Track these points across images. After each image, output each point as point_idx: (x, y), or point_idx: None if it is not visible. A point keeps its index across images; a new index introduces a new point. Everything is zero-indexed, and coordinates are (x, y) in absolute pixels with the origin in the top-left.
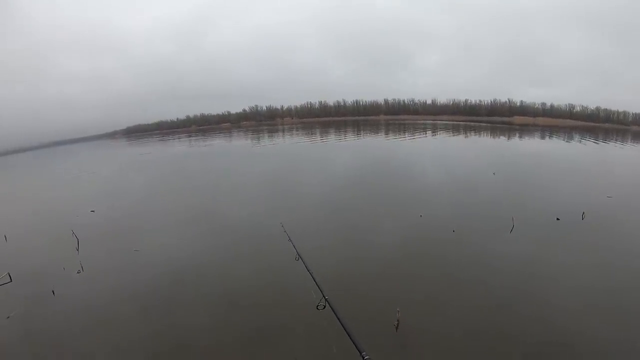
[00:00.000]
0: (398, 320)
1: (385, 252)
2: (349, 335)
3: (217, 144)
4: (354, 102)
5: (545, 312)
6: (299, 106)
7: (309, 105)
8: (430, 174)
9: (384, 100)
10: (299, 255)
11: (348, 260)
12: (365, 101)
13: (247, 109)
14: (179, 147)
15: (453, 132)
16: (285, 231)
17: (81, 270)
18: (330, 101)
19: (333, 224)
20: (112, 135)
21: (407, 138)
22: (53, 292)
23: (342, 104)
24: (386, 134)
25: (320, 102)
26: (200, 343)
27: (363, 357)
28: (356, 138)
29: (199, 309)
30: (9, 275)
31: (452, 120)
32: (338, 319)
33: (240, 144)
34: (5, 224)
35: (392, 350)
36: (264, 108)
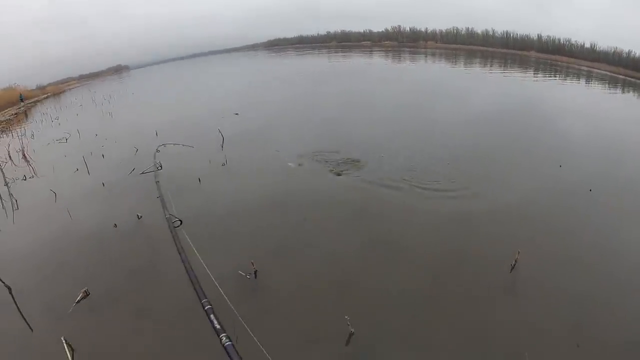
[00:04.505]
0: (516, 261)
1: (516, 193)
2: None
3: (359, 62)
4: (503, 33)
5: None
6: (444, 30)
7: (455, 31)
8: (579, 125)
9: (537, 35)
10: None
11: (477, 193)
12: (516, 34)
13: (389, 28)
14: (320, 62)
15: (609, 85)
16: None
17: (225, 163)
18: (478, 29)
19: (462, 161)
20: (253, 48)
21: (557, 82)
22: (199, 179)
23: (490, 33)
24: (535, 73)
25: (467, 29)
26: (325, 242)
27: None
28: (502, 72)
29: (325, 213)
30: (160, 164)
31: (610, 72)
32: None
33: (380, 62)
34: (159, 122)
35: (499, 288)
36: (407, 29)
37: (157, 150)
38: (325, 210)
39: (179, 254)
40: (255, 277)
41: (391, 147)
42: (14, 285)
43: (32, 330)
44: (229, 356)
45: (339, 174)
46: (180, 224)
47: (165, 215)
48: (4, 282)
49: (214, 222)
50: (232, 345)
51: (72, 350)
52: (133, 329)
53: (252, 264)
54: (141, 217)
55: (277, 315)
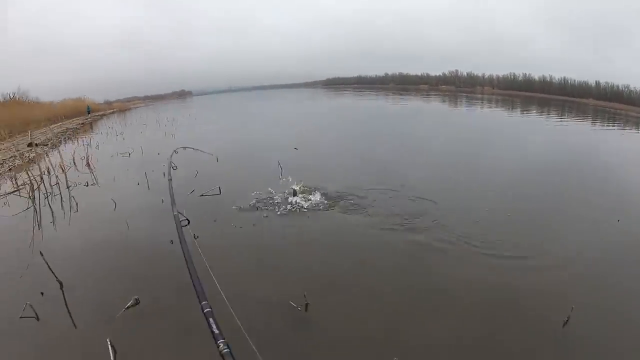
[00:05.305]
0: (569, 317)
1: (570, 247)
2: None
3: (417, 105)
4: (561, 80)
5: None
6: (501, 76)
7: (512, 77)
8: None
9: (595, 82)
10: None
11: (526, 246)
12: (574, 81)
13: (446, 72)
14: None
15: None
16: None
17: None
18: (536, 75)
19: (516, 212)
20: (312, 85)
21: (616, 130)
22: (256, 207)
23: (547, 79)
24: (593, 121)
25: (525, 75)
26: (375, 285)
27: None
28: (560, 120)
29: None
30: (219, 189)
31: None
32: None
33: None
34: (221, 150)
35: (552, 344)
36: (465, 74)
37: (176, 152)
38: (377, 252)
39: (186, 261)
40: (306, 310)
41: (445, 195)
42: (65, 282)
43: (75, 327)
44: None
45: (393, 218)
46: (188, 223)
47: (173, 212)
48: (56, 276)
49: (268, 252)
50: None
51: (115, 352)
52: (181, 343)
53: (305, 296)
54: (197, 237)
55: (324, 351)
